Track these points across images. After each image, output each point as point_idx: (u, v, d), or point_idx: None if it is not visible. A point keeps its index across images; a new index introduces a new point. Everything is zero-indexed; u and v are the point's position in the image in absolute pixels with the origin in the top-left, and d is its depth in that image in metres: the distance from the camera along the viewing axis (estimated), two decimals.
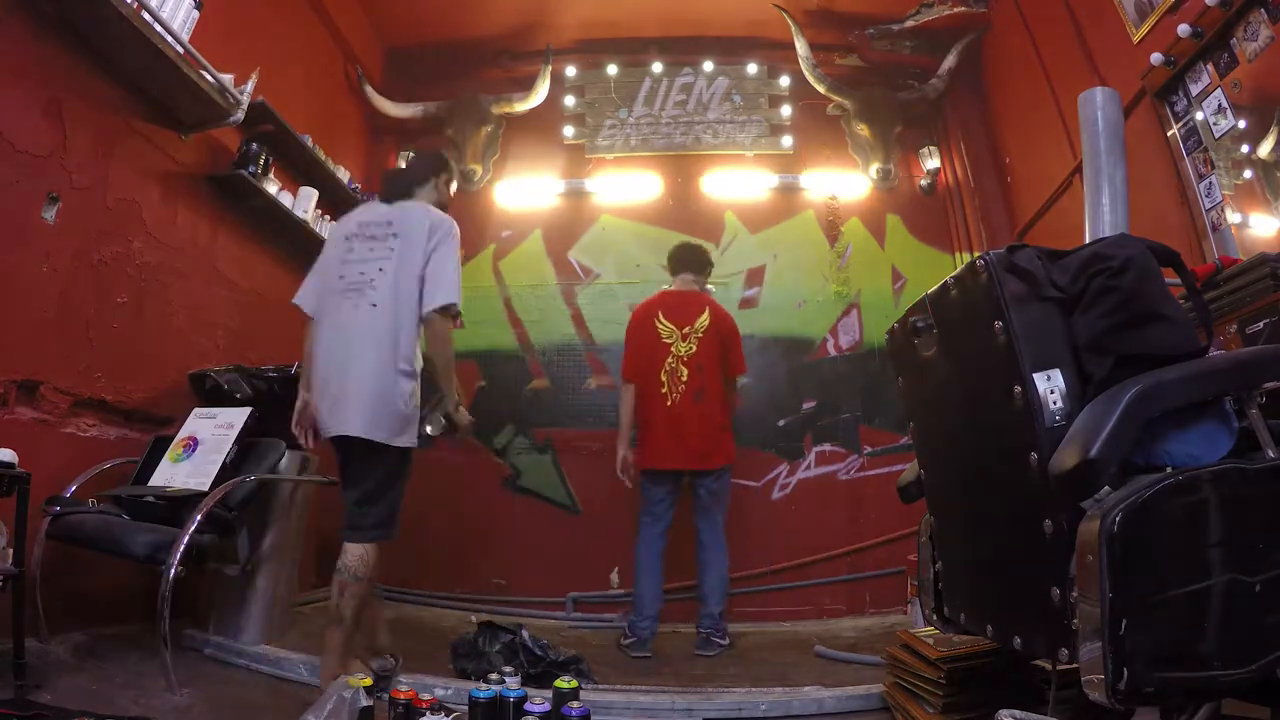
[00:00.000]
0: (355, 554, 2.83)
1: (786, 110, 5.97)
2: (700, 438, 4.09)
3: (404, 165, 3.70)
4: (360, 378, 2.83)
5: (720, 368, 4.20)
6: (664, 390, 4.13)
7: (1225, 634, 1.33)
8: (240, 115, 3.77)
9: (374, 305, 2.87)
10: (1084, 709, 1.45)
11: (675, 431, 4.09)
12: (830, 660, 3.59)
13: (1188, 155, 3.38)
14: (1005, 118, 5.56)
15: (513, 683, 2.40)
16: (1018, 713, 1.67)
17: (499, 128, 6.01)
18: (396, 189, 3.16)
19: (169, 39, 3.25)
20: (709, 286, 4.60)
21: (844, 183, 5.80)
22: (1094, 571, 1.34)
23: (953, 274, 1.83)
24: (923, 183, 5.78)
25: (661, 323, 4.25)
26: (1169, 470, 1.43)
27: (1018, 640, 1.71)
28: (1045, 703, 1.84)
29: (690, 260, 4.49)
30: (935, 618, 2.23)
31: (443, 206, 3.20)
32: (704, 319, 4.24)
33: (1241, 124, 3.09)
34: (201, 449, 3.20)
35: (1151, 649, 1.31)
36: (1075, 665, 1.42)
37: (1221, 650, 1.33)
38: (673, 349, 4.18)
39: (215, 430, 3.25)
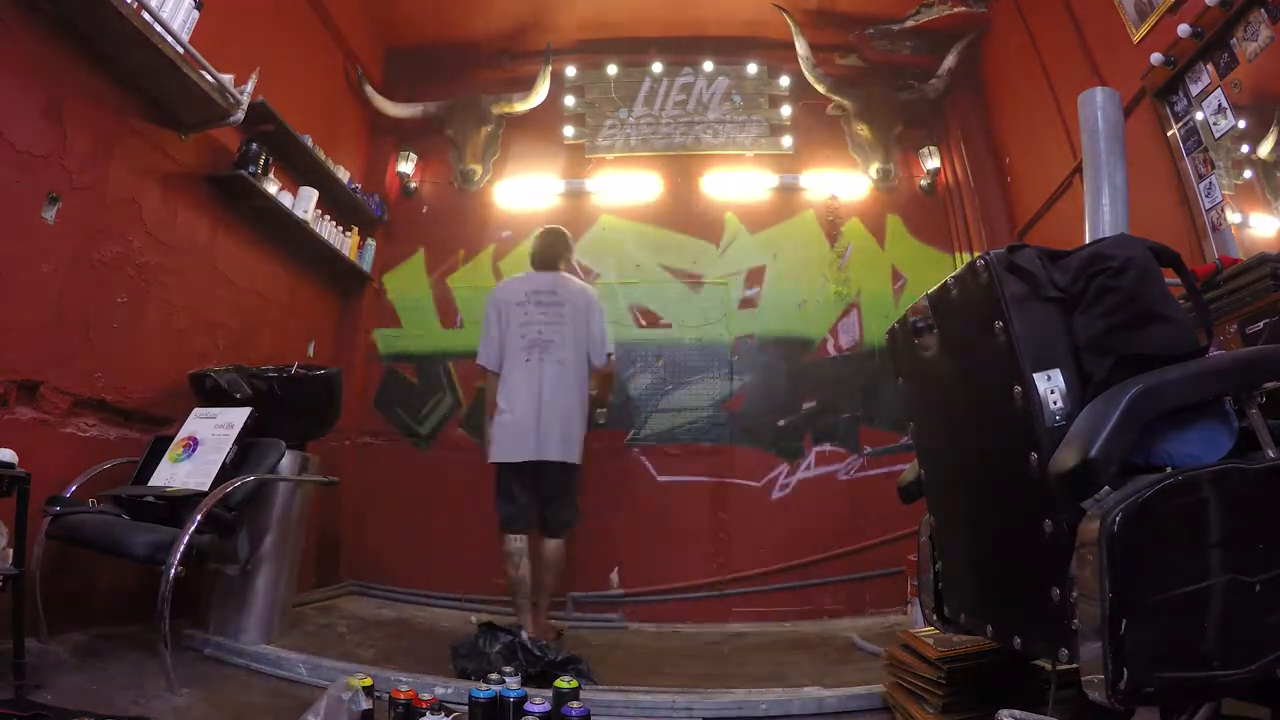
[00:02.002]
0: (555, 546, 3.96)
1: (786, 110, 5.97)
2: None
3: (547, 241, 4.28)
4: (557, 417, 3.87)
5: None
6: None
7: (1225, 634, 1.33)
8: (240, 115, 3.77)
9: (560, 363, 3.94)
10: (1084, 709, 1.45)
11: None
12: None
13: (1188, 155, 3.38)
14: (1005, 118, 5.56)
15: (513, 683, 2.41)
16: (1017, 712, 1.68)
17: (499, 128, 6.01)
18: (548, 261, 4.21)
19: (169, 39, 3.25)
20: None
21: (844, 183, 5.81)
22: (1094, 571, 1.34)
23: (953, 274, 1.83)
24: (923, 183, 5.79)
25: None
26: (1169, 470, 1.43)
27: (1018, 640, 1.71)
28: (1045, 703, 1.84)
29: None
30: (935, 618, 2.23)
31: (571, 271, 4.44)
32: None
33: (1241, 124, 3.09)
34: (201, 449, 3.20)
35: (1151, 649, 1.31)
36: (1075, 665, 1.42)
37: (1221, 650, 1.33)
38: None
39: (215, 430, 3.25)
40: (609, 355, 4.13)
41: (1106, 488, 1.41)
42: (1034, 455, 1.55)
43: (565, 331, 3.98)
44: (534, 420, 3.84)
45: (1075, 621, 1.41)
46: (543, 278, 4.15)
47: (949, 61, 5.72)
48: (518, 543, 3.87)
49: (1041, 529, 1.55)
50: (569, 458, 3.88)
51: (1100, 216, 2.65)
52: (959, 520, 2.11)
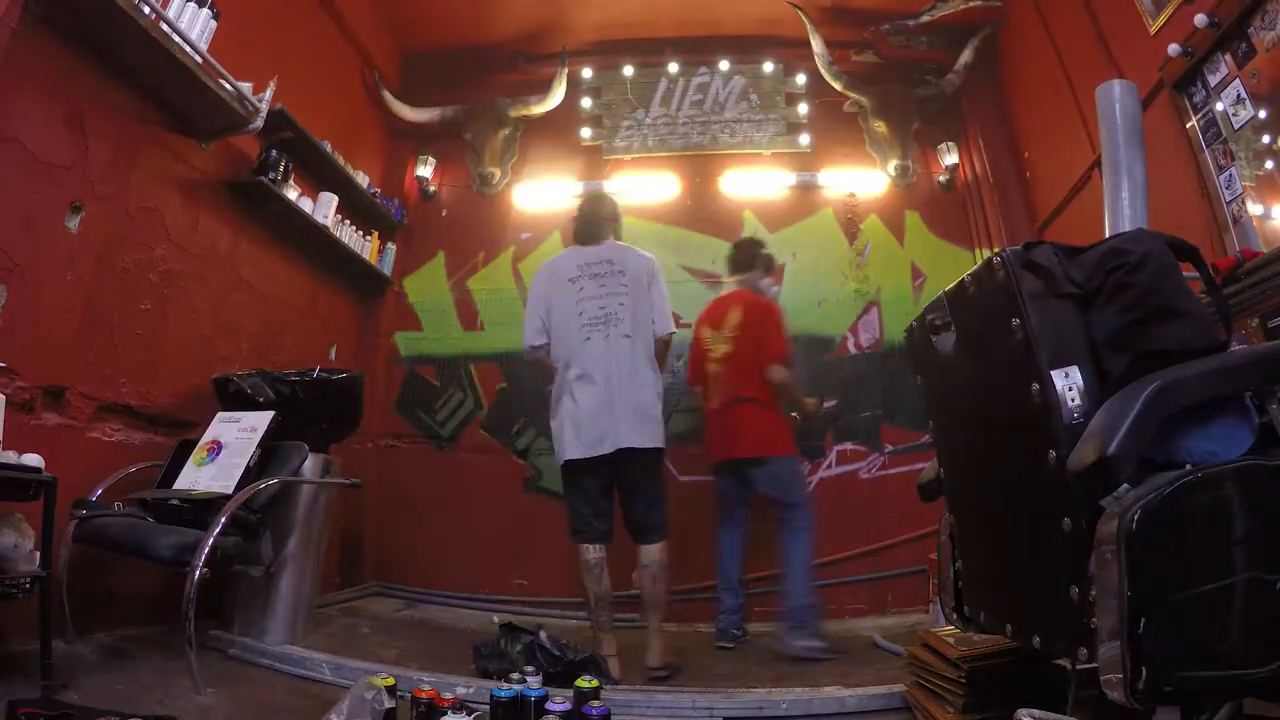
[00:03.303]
0: (655, 551, 3.56)
1: (803, 108, 5.96)
2: (745, 433, 4.10)
3: (593, 211, 3.95)
4: (632, 398, 3.46)
5: (759, 360, 4.12)
6: (709, 395, 4.22)
7: (1246, 633, 1.32)
8: (259, 123, 3.79)
9: (627, 336, 3.52)
10: (1104, 708, 1.44)
11: (721, 432, 4.15)
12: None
13: (1207, 147, 3.34)
14: (1023, 112, 5.52)
15: (534, 682, 2.42)
16: (1037, 712, 1.66)
17: (516, 130, 6.04)
18: (596, 232, 3.79)
19: (187, 49, 3.29)
20: (767, 281, 4.61)
21: (862, 180, 5.79)
22: (1112, 570, 1.33)
23: (970, 271, 1.82)
24: (941, 179, 5.76)
25: (704, 331, 4.32)
26: (1188, 467, 1.42)
27: (1037, 639, 1.71)
28: (1066, 702, 1.82)
29: (738, 260, 4.55)
30: (955, 616, 2.22)
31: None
32: (735, 315, 4.25)
33: (1262, 114, 3.05)
34: (225, 452, 3.23)
35: (1171, 648, 1.30)
36: (1095, 664, 1.41)
37: (1242, 649, 1.32)
38: (710, 353, 4.24)
39: (239, 434, 3.28)
40: (670, 335, 3.72)
41: (1125, 485, 1.40)
42: (1052, 453, 1.54)
43: (628, 303, 3.58)
44: (607, 406, 3.44)
45: (1094, 620, 1.40)
46: (594, 250, 3.74)
47: (965, 56, 5.69)
48: (596, 553, 3.51)
49: (1060, 527, 1.54)
50: (651, 442, 3.49)
51: (1120, 210, 2.63)
52: (978, 519, 2.10)
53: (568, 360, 3.56)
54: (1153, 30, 3.68)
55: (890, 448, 5.17)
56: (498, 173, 5.92)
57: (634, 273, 3.62)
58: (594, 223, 3.82)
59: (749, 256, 4.53)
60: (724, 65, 6.08)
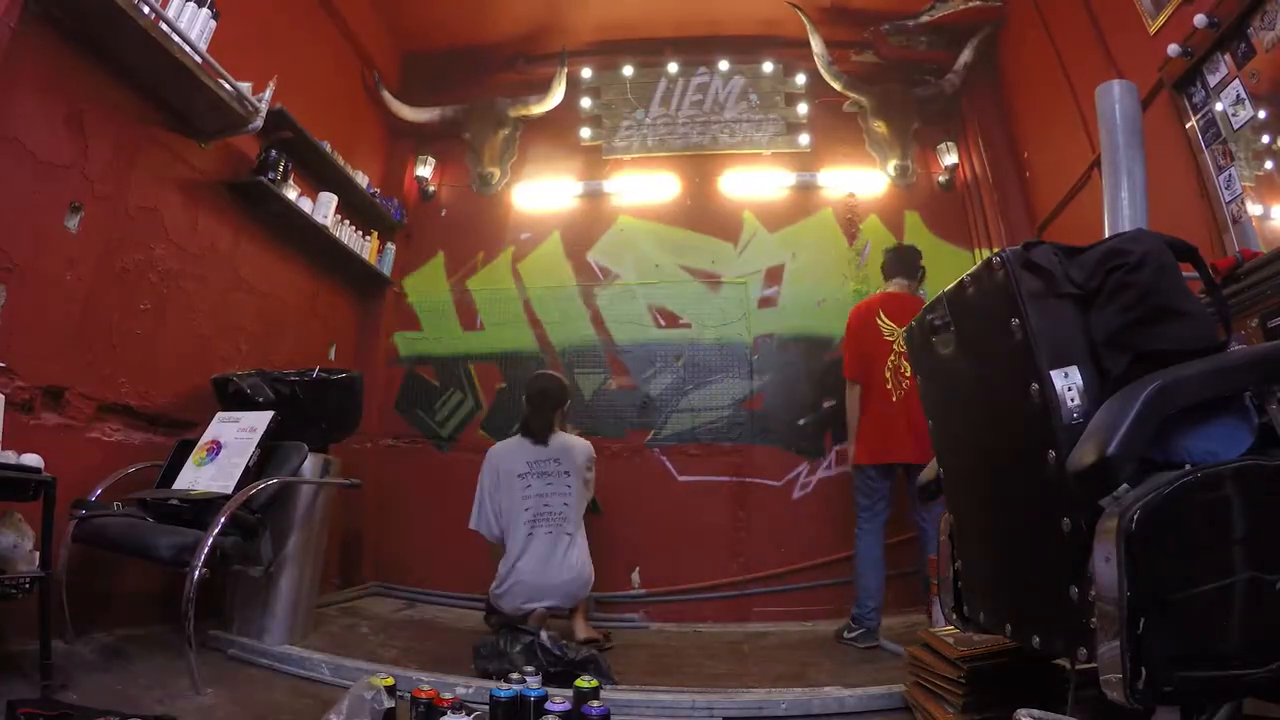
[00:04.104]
0: None
1: (803, 108, 5.96)
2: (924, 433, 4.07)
3: (540, 402, 4.16)
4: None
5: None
6: (888, 387, 4.13)
7: (1245, 633, 1.31)
8: (259, 123, 3.80)
9: (569, 535, 3.93)
10: (1103, 708, 1.44)
11: (899, 426, 4.06)
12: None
13: (1206, 147, 3.33)
14: (1023, 112, 5.51)
15: (533, 682, 2.42)
16: (1036, 712, 1.66)
17: (516, 130, 6.05)
18: (546, 427, 4.11)
19: (187, 49, 3.29)
20: (922, 291, 4.55)
21: (862, 180, 5.79)
22: (1112, 570, 1.33)
23: (969, 271, 1.81)
24: (941, 179, 5.75)
25: (882, 320, 4.25)
26: (1188, 467, 1.41)
27: (1036, 639, 1.70)
28: (1065, 702, 1.82)
29: (901, 265, 4.51)
30: (955, 616, 2.22)
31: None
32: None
33: (1261, 114, 3.04)
34: (225, 452, 3.23)
35: (1170, 648, 1.30)
36: (1094, 664, 1.40)
37: (1241, 649, 1.31)
38: (894, 346, 4.17)
39: (238, 434, 3.28)
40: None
41: (1125, 485, 1.39)
42: (1051, 453, 1.54)
43: (572, 502, 4.01)
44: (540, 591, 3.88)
45: (1093, 620, 1.39)
46: (542, 449, 4.10)
47: (965, 56, 5.69)
48: None
49: (1059, 527, 1.53)
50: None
51: (1119, 210, 2.62)
52: (978, 519, 2.10)
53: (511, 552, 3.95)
54: (1152, 30, 3.68)
55: None
56: (497, 173, 5.93)
57: (575, 470, 4.04)
58: (545, 421, 4.13)
59: (913, 265, 4.53)
60: (724, 65, 6.08)
